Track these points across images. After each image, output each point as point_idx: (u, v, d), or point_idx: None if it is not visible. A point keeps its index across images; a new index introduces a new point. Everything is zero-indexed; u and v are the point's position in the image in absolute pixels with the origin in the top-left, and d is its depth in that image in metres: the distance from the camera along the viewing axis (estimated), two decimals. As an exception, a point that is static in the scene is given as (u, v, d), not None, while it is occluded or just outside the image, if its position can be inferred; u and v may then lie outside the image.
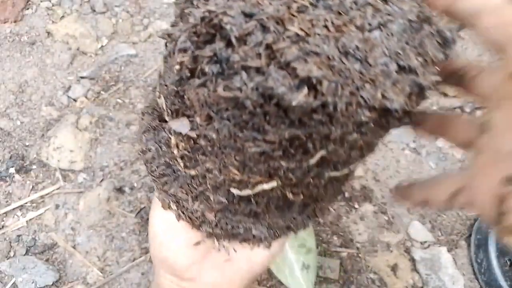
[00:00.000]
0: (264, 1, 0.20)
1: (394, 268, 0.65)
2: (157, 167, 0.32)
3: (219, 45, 0.20)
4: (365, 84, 0.21)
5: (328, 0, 0.22)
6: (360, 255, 0.66)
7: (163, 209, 0.32)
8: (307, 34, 0.20)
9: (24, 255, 0.64)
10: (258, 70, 0.20)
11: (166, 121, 0.29)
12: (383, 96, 0.21)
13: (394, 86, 0.22)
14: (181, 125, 0.26)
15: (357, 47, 0.21)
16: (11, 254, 0.64)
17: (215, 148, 0.26)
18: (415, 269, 0.65)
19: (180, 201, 0.32)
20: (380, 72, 0.21)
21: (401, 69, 0.23)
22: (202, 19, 0.20)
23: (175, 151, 0.28)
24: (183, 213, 0.32)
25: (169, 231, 0.32)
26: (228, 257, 0.32)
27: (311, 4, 0.21)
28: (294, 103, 0.19)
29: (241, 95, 0.20)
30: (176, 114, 0.27)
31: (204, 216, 0.31)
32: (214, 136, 0.25)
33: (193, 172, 0.29)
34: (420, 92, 0.23)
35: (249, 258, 0.32)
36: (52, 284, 0.62)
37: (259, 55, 0.20)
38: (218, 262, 0.32)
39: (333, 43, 0.20)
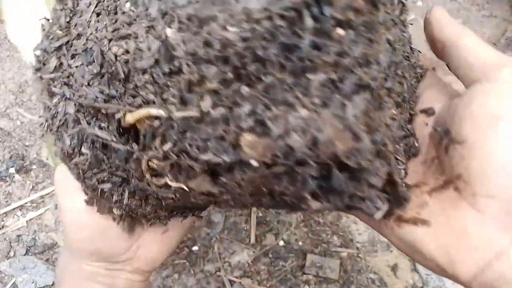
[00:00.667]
0: (326, 126, 0.18)
1: (394, 268, 0.65)
2: (94, 174, 0.26)
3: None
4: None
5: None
6: (360, 255, 0.66)
7: (100, 213, 0.29)
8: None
9: (24, 255, 0.64)
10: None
11: (137, 143, 0.23)
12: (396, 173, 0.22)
13: (403, 164, 0.24)
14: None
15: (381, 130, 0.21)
16: (11, 254, 0.64)
17: (221, 198, 0.23)
18: (415, 269, 0.65)
19: (131, 208, 0.28)
20: (395, 151, 0.22)
21: (406, 136, 0.24)
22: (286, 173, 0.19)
23: (147, 176, 0.23)
24: (131, 216, 0.29)
25: (98, 222, 0.30)
26: (165, 228, 0.35)
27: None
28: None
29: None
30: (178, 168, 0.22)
31: (156, 214, 0.30)
32: (229, 197, 0.22)
33: (170, 195, 0.24)
34: (413, 155, 0.25)
35: (181, 223, 0.35)
36: (52, 284, 0.62)
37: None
38: (156, 235, 0.34)
39: (369, 136, 0.19)
